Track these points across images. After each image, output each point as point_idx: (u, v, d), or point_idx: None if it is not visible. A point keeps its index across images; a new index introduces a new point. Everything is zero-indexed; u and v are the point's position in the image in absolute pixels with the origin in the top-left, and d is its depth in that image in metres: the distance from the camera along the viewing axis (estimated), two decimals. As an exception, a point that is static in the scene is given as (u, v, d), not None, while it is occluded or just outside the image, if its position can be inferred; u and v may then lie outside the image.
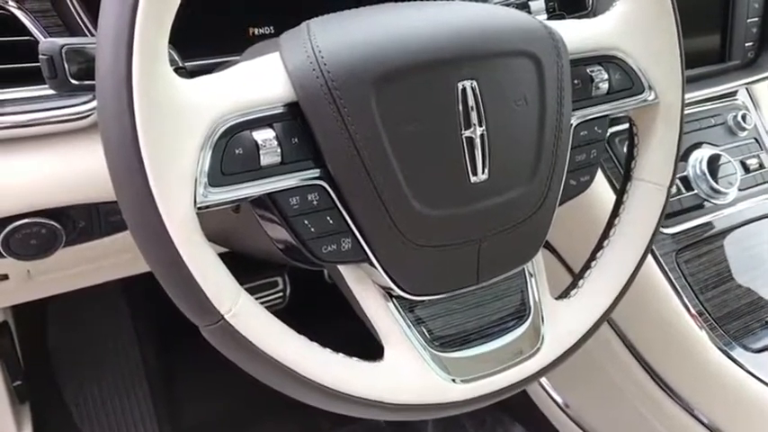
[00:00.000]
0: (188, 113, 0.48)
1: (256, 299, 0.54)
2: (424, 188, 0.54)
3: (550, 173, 0.59)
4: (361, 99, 0.51)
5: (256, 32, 0.79)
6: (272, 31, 0.79)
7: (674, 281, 0.94)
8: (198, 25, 0.72)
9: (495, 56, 0.56)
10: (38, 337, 1.26)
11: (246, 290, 0.53)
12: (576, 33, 0.63)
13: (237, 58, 0.62)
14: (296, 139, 0.51)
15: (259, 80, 0.52)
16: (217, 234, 0.68)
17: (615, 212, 0.70)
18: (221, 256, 0.51)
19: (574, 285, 0.68)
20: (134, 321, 1.23)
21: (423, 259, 0.56)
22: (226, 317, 0.51)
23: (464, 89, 0.54)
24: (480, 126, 0.55)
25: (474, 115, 0.55)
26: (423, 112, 0.53)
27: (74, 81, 0.56)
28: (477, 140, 0.55)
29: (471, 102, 0.54)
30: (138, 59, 0.46)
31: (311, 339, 0.56)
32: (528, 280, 0.65)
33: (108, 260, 0.87)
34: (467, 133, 0.55)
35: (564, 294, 0.67)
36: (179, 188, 0.48)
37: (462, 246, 0.57)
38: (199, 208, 0.49)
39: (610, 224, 0.69)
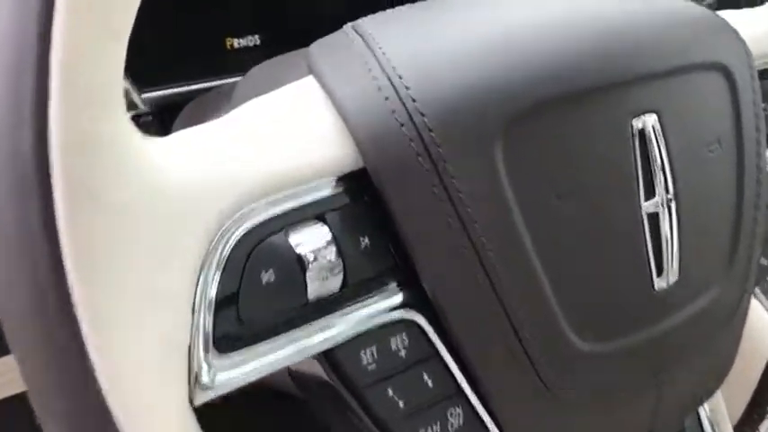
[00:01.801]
0: (169, 206, 0.24)
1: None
2: (586, 309, 0.31)
3: (750, 254, 0.37)
4: (482, 159, 0.28)
5: (236, 45, 0.56)
6: (259, 43, 0.58)
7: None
8: (155, 36, 0.51)
9: (680, 72, 0.34)
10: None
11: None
12: (757, 30, 0.41)
13: (217, 83, 0.38)
14: (366, 240, 0.28)
15: (290, 132, 0.27)
16: None
17: None
18: None
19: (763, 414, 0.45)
20: None
21: (576, 422, 0.33)
22: None
23: (642, 130, 0.32)
24: (667, 192, 0.32)
25: (659, 173, 0.32)
26: (580, 172, 0.30)
27: None
28: (665, 217, 0.32)
29: (655, 150, 0.32)
30: (60, 105, 0.21)
31: None
32: (701, 412, 0.42)
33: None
34: (648, 206, 0.32)
35: (747, 425, 0.45)
36: (157, 372, 0.23)
37: (636, 391, 0.34)
38: (197, 405, 0.24)
39: None
